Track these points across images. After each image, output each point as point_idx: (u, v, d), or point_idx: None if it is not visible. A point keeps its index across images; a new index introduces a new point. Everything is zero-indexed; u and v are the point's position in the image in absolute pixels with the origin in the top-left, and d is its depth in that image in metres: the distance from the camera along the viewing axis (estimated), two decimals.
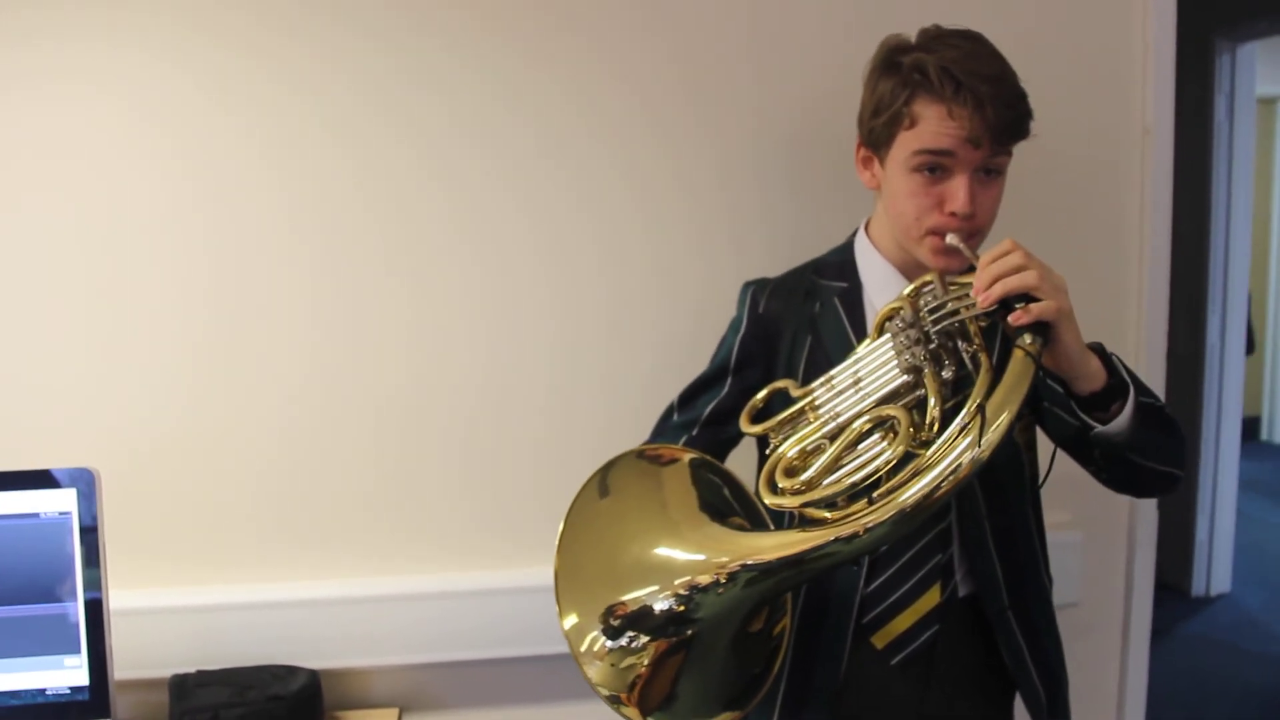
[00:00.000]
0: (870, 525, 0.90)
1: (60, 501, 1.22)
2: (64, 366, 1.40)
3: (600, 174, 1.46)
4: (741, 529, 1.02)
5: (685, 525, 1.02)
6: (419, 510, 1.48)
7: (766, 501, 1.02)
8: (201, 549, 1.45)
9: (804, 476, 1.00)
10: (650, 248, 1.48)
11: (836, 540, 0.91)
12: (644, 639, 0.97)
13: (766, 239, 1.49)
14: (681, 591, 0.96)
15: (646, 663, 0.97)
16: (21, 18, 1.35)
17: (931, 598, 1.14)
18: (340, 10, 1.40)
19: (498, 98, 1.43)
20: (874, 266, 1.19)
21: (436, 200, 1.44)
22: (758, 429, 1.12)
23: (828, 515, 0.95)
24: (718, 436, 1.24)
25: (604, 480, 1.05)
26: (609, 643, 0.97)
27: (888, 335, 1.03)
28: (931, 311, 1.01)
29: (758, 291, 1.25)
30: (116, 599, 1.27)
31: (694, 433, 1.23)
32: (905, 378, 0.99)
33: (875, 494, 0.92)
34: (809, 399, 1.08)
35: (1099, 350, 1.02)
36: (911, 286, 1.06)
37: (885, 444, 0.96)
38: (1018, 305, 0.95)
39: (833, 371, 1.07)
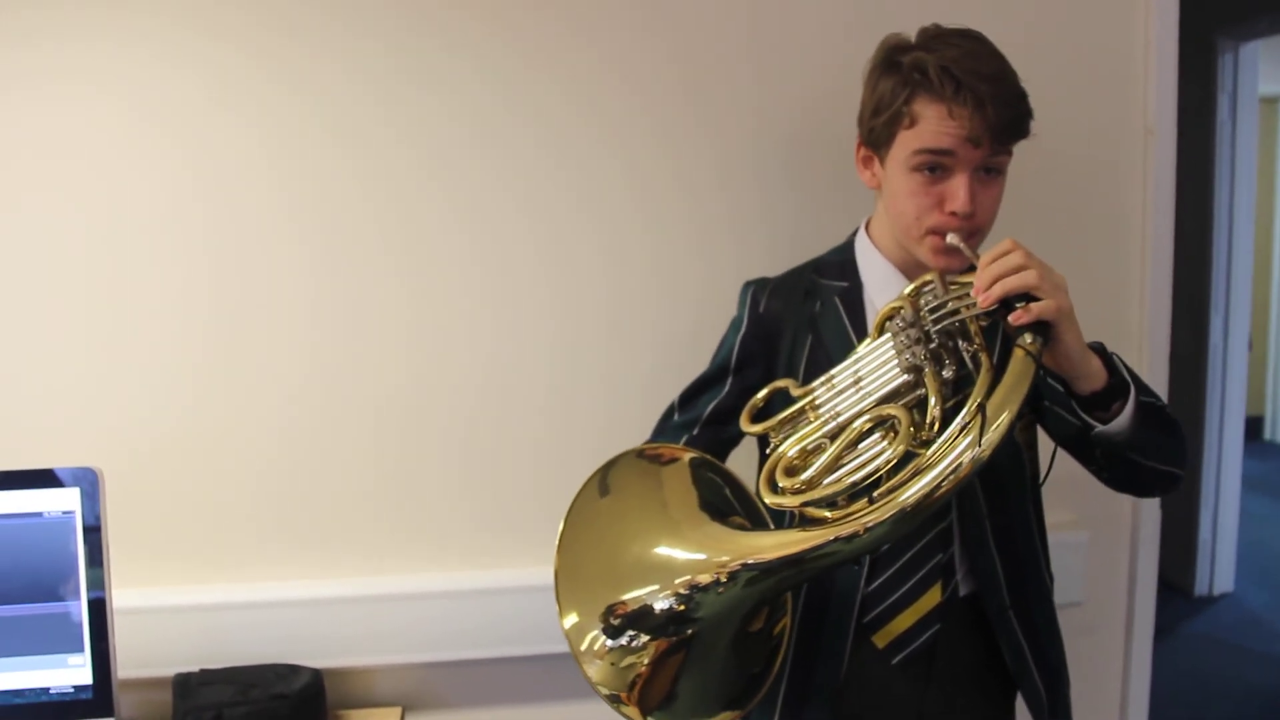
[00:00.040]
0: (871, 524, 0.90)
1: (64, 501, 1.22)
2: (65, 366, 1.40)
3: (600, 174, 1.46)
4: (742, 528, 1.02)
5: (686, 524, 1.02)
6: (420, 510, 1.49)
7: (767, 501, 1.01)
8: (204, 548, 1.45)
9: (804, 476, 1.00)
10: (650, 248, 1.48)
11: (837, 539, 0.91)
12: (644, 638, 0.97)
13: (766, 239, 1.49)
14: (682, 591, 0.96)
15: (647, 662, 0.97)
16: (21, 18, 1.35)
17: (932, 597, 1.14)
18: (341, 10, 1.40)
19: (498, 98, 1.43)
20: (874, 266, 1.19)
21: (437, 200, 1.44)
22: (758, 428, 1.12)
23: (828, 514, 0.95)
24: (718, 436, 1.24)
25: (604, 479, 1.05)
26: (609, 642, 0.97)
27: (888, 334, 1.03)
28: (932, 311, 1.01)
29: (758, 291, 1.25)
30: (120, 598, 1.27)
31: (695, 432, 1.23)
32: (906, 377, 0.99)
33: (876, 493, 0.92)
34: (809, 398, 1.08)
35: (1100, 350, 1.02)
36: (912, 286, 1.05)
37: (886, 443, 0.96)
38: (1018, 305, 0.95)
39: (833, 371, 1.07)
